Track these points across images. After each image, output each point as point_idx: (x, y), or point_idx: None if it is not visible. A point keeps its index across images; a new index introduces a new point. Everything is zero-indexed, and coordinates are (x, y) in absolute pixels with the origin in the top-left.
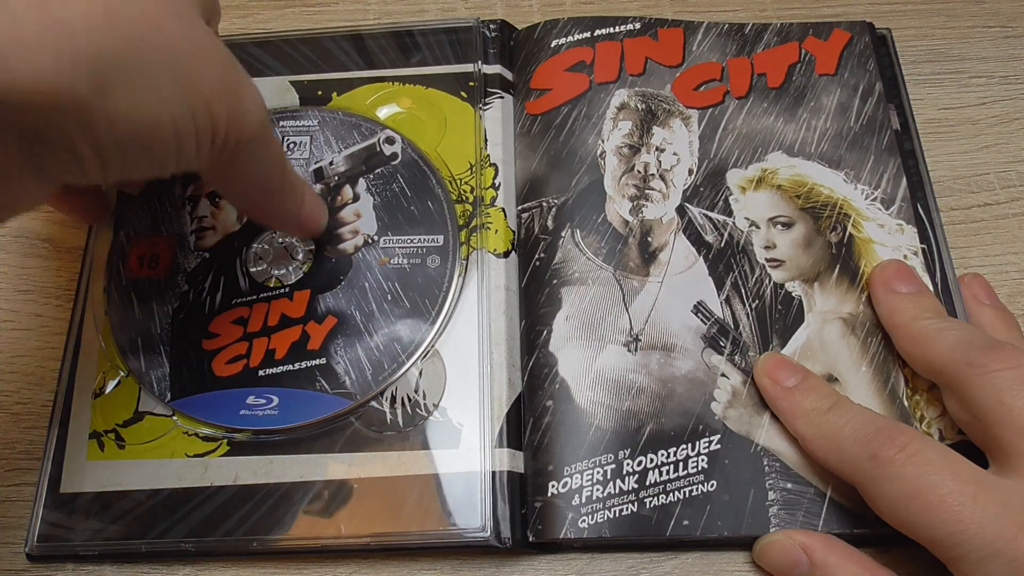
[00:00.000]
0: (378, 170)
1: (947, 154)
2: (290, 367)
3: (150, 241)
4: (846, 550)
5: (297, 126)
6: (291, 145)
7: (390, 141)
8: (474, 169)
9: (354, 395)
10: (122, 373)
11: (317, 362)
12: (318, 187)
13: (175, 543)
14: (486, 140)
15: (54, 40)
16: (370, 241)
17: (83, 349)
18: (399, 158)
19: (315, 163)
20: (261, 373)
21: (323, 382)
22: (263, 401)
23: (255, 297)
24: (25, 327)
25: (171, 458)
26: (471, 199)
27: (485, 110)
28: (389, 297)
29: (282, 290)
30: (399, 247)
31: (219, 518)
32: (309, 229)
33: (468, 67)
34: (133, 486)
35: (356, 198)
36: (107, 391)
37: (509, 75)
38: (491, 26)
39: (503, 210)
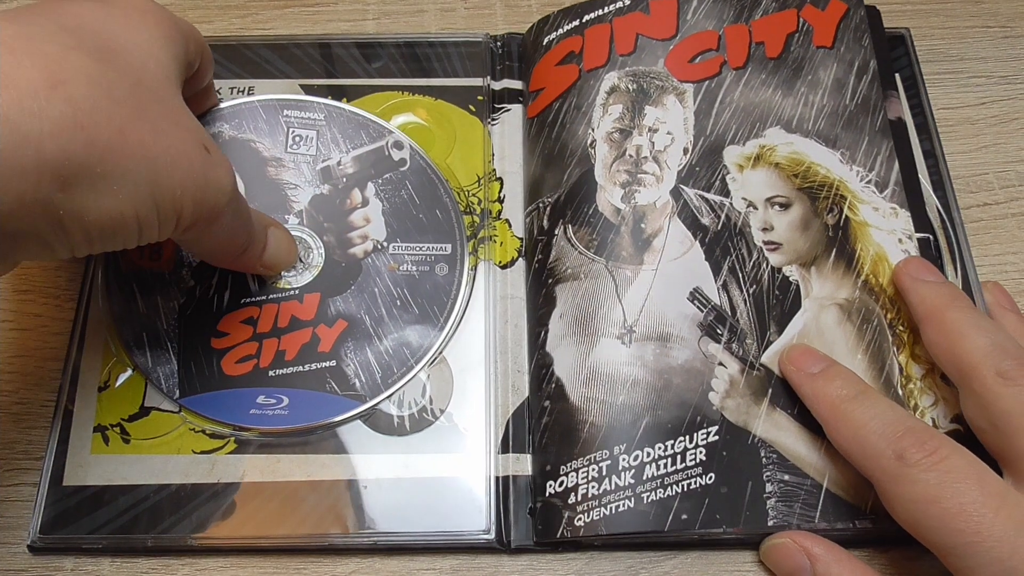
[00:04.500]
0: (386, 175)
1: (946, 154)
2: (300, 368)
3: None
4: (851, 562)
5: (303, 118)
6: (297, 139)
7: (398, 146)
8: (481, 182)
9: (364, 397)
10: (131, 369)
11: (327, 364)
12: (326, 187)
13: (180, 538)
14: (493, 154)
15: (22, 154)
16: (379, 247)
17: (88, 342)
18: (407, 164)
19: (323, 161)
20: (271, 373)
21: (333, 384)
22: (273, 401)
23: (265, 298)
24: (25, 327)
25: (178, 454)
26: (479, 211)
27: (492, 125)
28: (398, 303)
29: (292, 292)
30: (408, 254)
31: (225, 514)
32: (269, 272)
33: (477, 81)
34: (139, 480)
35: (365, 202)
36: (114, 385)
37: (519, 85)
38: (498, 42)
39: (508, 221)
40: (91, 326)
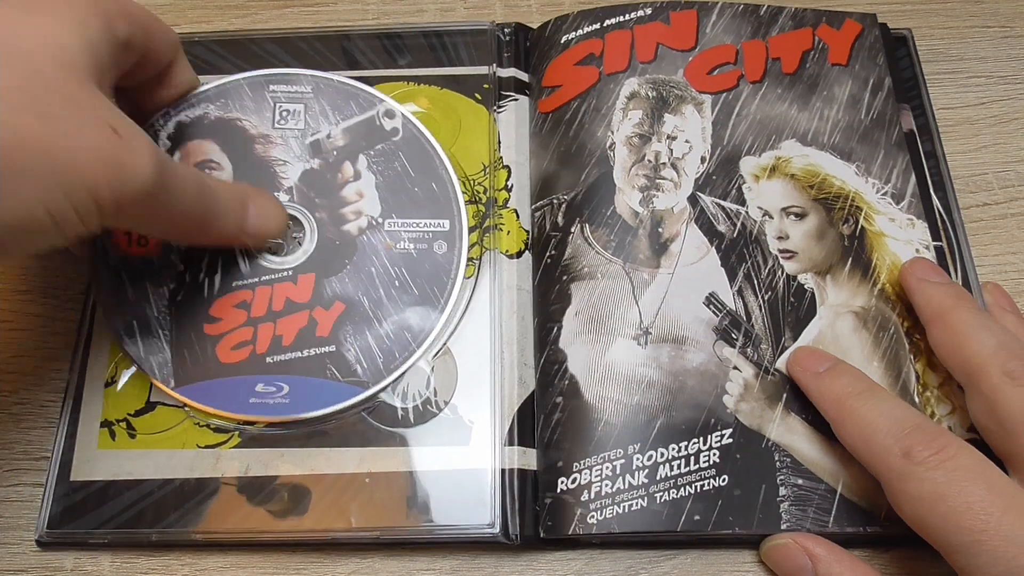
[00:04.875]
0: (378, 146)
1: (946, 154)
2: (299, 354)
3: None
4: (853, 562)
5: (290, 92)
6: (284, 114)
7: (389, 115)
8: (487, 171)
9: (366, 383)
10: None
11: (327, 349)
12: (316, 161)
13: (184, 533)
14: (499, 143)
15: None
16: (374, 223)
17: (95, 337)
18: (399, 134)
19: (312, 135)
20: (269, 360)
21: (334, 370)
22: (273, 389)
23: (257, 280)
24: (24, 327)
25: (182, 448)
26: (484, 200)
27: (499, 113)
28: (397, 283)
29: (285, 273)
30: (405, 231)
31: (229, 509)
32: (258, 241)
33: (483, 69)
34: (144, 475)
35: (357, 176)
36: (119, 380)
37: (524, 76)
38: (505, 30)
39: (515, 211)
40: (98, 322)
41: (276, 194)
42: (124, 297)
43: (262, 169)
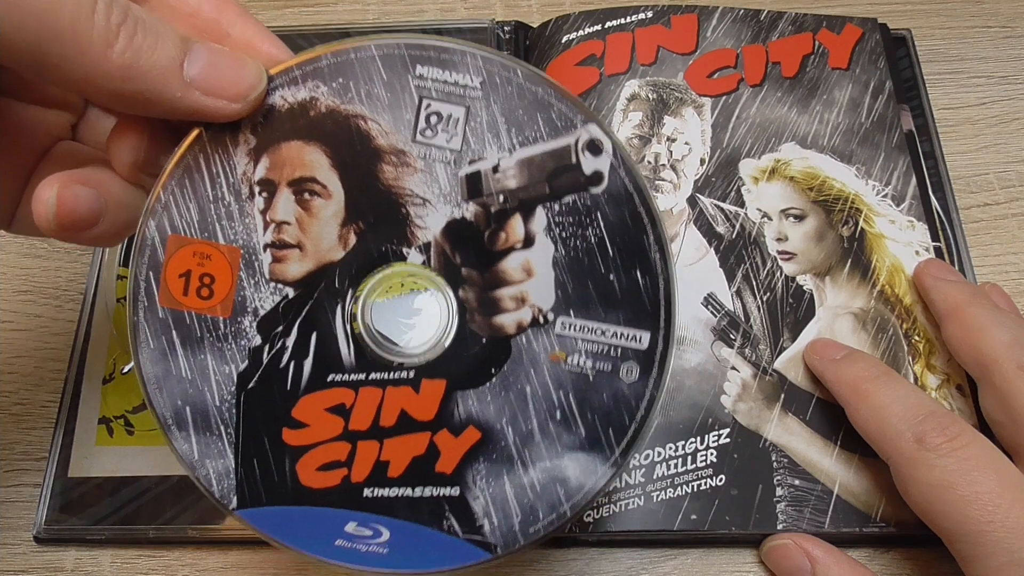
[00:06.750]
0: (568, 198)
1: (946, 154)
2: (408, 491)
3: (200, 248)
4: (851, 565)
5: (448, 83)
6: (433, 119)
7: (594, 148)
8: None
9: (493, 547)
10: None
11: (447, 491)
12: (471, 208)
13: (181, 529)
14: None
15: None
16: (541, 320)
17: (93, 334)
18: (604, 183)
19: (469, 162)
20: (367, 493)
21: (453, 521)
22: (368, 532)
23: (363, 377)
24: (24, 327)
25: None
26: None
27: None
28: (558, 415)
29: (405, 374)
30: (583, 339)
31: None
32: (210, 102)
33: None
34: (141, 472)
35: (529, 241)
36: (118, 377)
37: None
38: (505, 27)
39: None
40: (96, 320)
41: (405, 250)
42: (173, 369)
43: (387, 206)
